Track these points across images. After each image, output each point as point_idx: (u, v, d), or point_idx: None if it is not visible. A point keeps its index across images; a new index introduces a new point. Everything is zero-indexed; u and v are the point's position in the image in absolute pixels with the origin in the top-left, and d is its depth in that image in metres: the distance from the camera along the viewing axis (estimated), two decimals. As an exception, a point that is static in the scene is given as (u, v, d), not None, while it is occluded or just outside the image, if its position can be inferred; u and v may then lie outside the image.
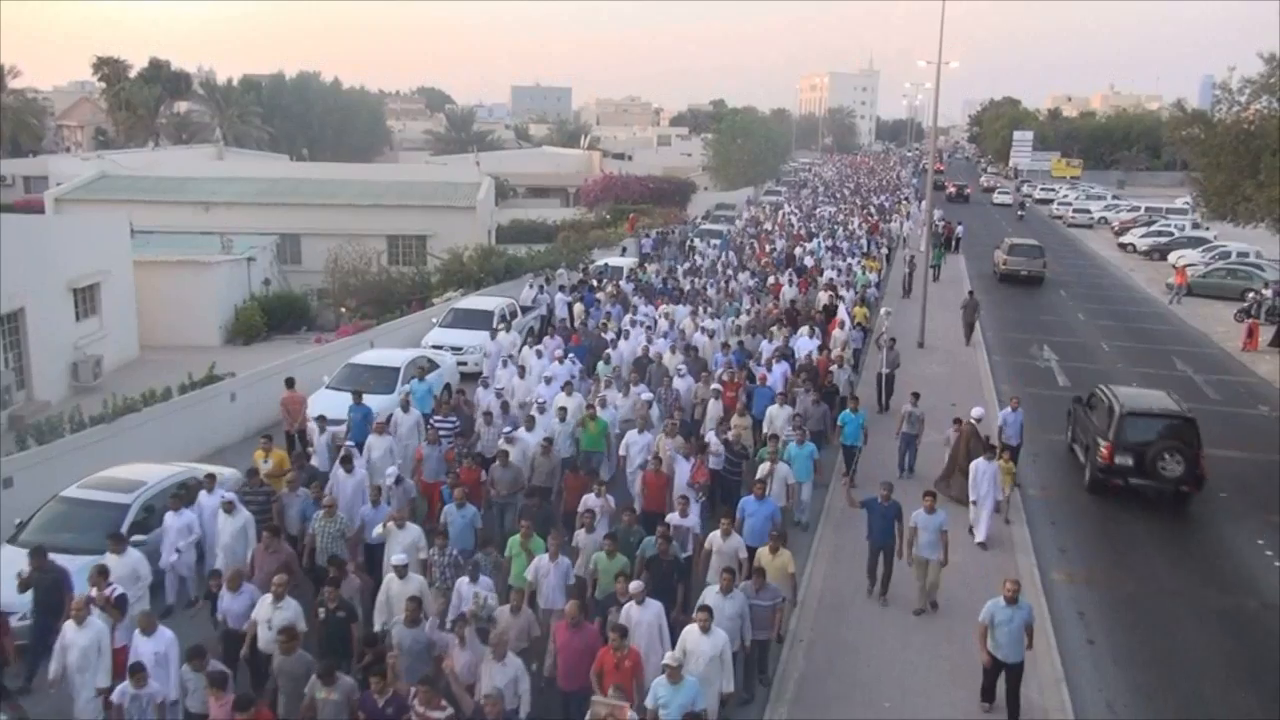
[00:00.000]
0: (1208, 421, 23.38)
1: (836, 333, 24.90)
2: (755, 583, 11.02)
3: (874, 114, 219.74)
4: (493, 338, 23.45)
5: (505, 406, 17.53)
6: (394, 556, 11.13)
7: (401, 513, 12.32)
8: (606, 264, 34.75)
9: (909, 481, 17.76)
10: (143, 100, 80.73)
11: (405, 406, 16.98)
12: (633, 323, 24.44)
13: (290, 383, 18.49)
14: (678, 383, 19.24)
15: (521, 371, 19.78)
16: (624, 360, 21.52)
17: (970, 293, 31.72)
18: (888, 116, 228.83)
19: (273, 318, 30.41)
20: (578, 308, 26.82)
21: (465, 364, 22.63)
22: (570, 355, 20.85)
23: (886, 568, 13.62)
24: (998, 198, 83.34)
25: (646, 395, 17.84)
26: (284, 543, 11.84)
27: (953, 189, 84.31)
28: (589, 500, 13.08)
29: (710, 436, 16.09)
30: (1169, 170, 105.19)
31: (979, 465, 15.75)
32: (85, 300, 25.26)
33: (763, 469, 14.63)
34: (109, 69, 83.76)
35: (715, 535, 12.15)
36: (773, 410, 17.65)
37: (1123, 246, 57.01)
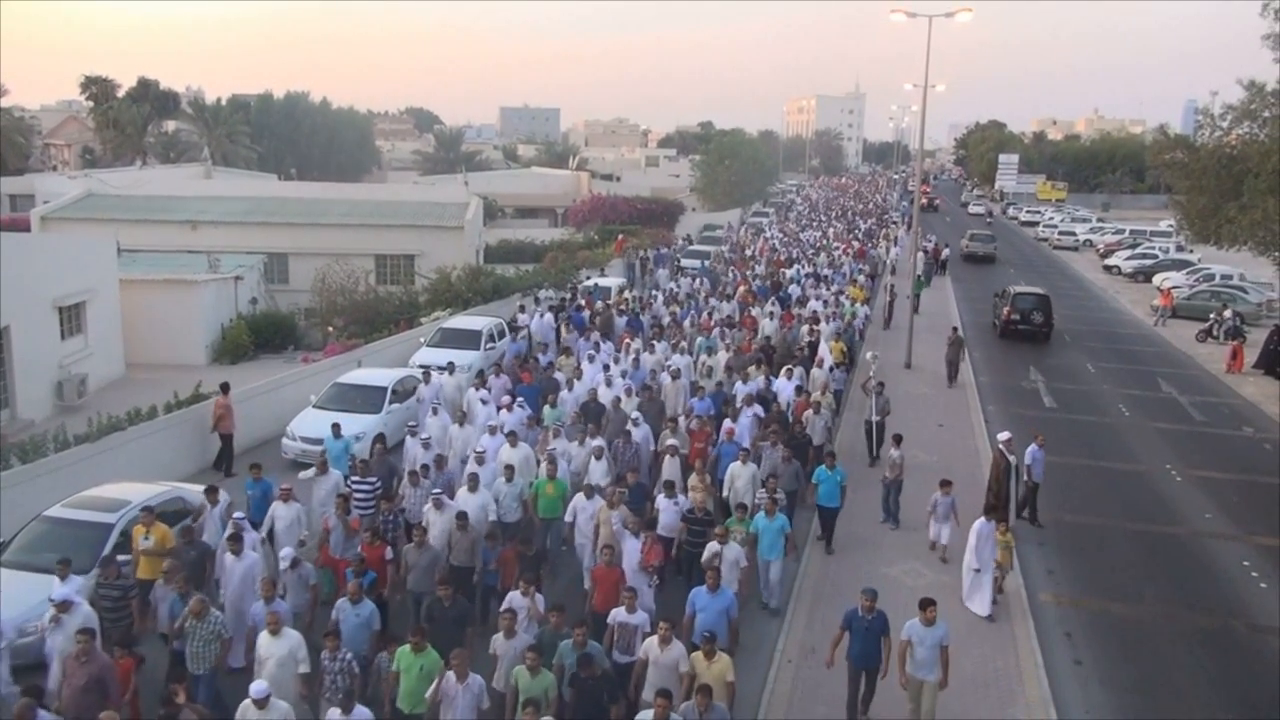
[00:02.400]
0: (1193, 443, 23.61)
1: (815, 372, 22.74)
2: (699, 702, 9.06)
3: (861, 136, 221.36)
4: (451, 373, 21.07)
5: (440, 461, 15.22)
6: (253, 686, 8.74)
7: (275, 619, 9.83)
8: (596, 284, 34.77)
9: (897, 534, 17.08)
10: (130, 119, 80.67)
11: (322, 467, 14.52)
12: (590, 359, 22.27)
13: (225, 388, 18.75)
14: (635, 434, 16.80)
15: (462, 418, 17.48)
16: (573, 405, 19.14)
17: (955, 330, 28.96)
18: (875, 139, 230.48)
19: (260, 337, 30.32)
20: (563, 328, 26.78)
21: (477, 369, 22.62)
22: (518, 399, 18.54)
23: (869, 688, 11.34)
24: (972, 208, 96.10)
25: (596, 445, 15.70)
26: (103, 652, 9.56)
27: (924, 200, 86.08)
28: (512, 598, 10.89)
29: (659, 502, 13.97)
30: (1153, 193, 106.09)
31: (980, 528, 14.29)
32: (71, 319, 25.14)
33: (710, 549, 12.36)
34: (97, 88, 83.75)
35: (652, 643, 10.07)
36: (734, 468, 15.43)
37: (1108, 269, 57.48)
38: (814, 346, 25.50)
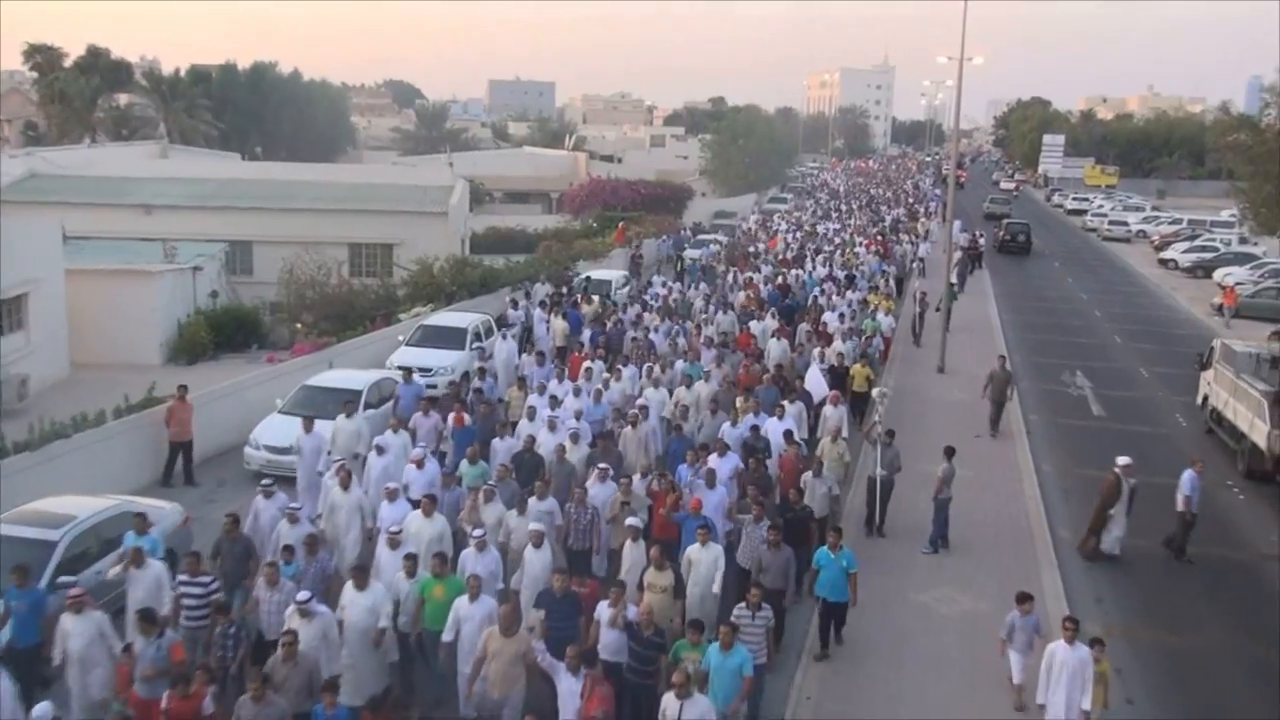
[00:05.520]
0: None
1: (828, 412, 19.36)
2: None
3: (889, 114, 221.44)
4: (349, 415, 17.86)
5: (313, 543, 12.61)
6: None
7: None
8: (589, 277, 34.80)
9: (929, 554, 16.82)
10: (78, 92, 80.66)
11: (137, 561, 11.94)
12: (541, 390, 19.78)
13: (183, 391, 18.76)
14: (595, 493, 14.52)
15: (346, 478, 14.41)
16: (503, 455, 16.47)
17: (1002, 359, 25.19)
18: (905, 117, 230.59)
19: (220, 334, 30.32)
20: (559, 324, 26.76)
21: (435, 387, 22.56)
22: (431, 451, 16.48)
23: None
24: (1004, 185, 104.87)
25: (535, 524, 13.05)
26: None
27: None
28: None
29: (600, 613, 11.48)
30: (1213, 179, 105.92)
31: (1056, 652, 11.53)
32: (10, 313, 25.15)
33: (667, 707, 10.00)
34: (41, 57, 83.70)
35: None
36: (692, 554, 12.83)
37: (1163, 263, 57.40)
38: (840, 378, 22.68)
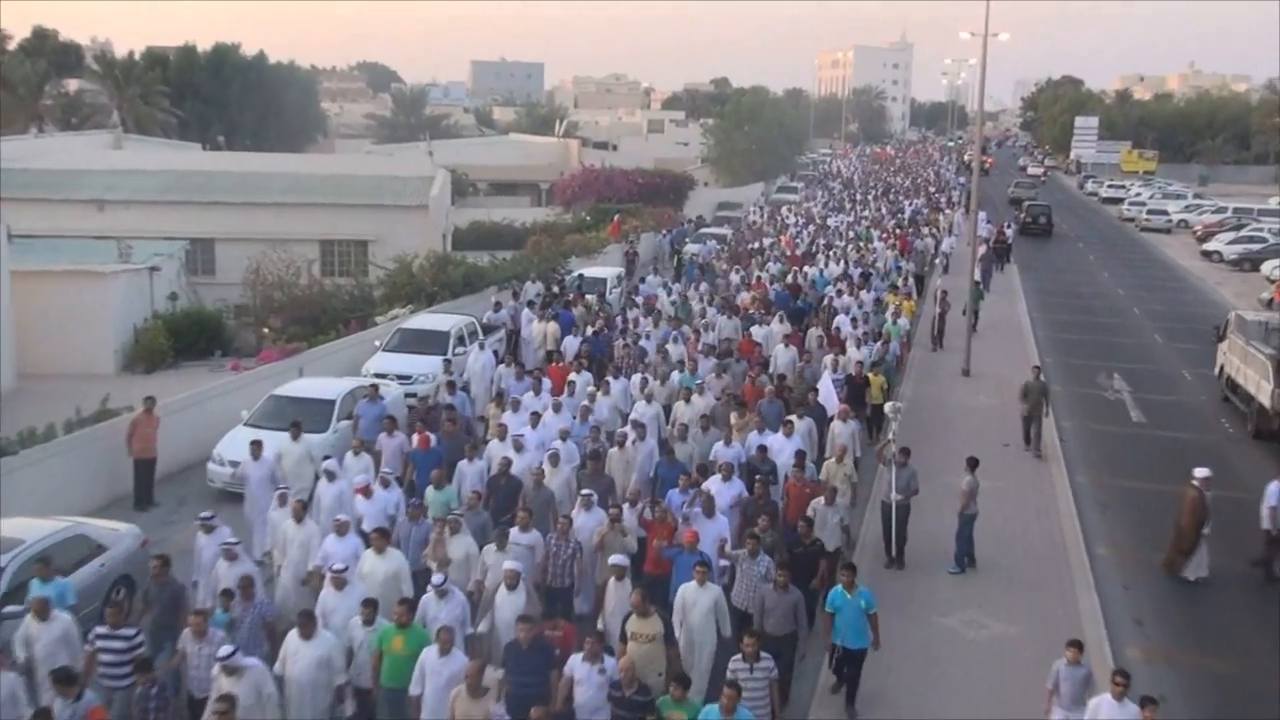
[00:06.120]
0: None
1: (836, 427, 18.91)
2: None
3: (908, 96, 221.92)
4: (295, 438, 17.42)
5: (248, 586, 11.97)
6: None
7: None
8: (582, 275, 34.81)
9: (954, 575, 16.86)
10: (23, 78, 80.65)
11: (41, 613, 11.33)
12: (515, 407, 18.97)
13: (149, 403, 18.72)
14: (581, 522, 14.13)
15: (299, 510, 14.03)
16: (472, 481, 16.07)
17: (1036, 370, 24.78)
18: (924, 99, 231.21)
19: (180, 340, 30.28)
20: (551, 327, 26.75)
21: (414, 395, 22.59)
22: (396, 477, 16.00)
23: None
24: (1031, 170, 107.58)
25: (511, 563, 12.42)
26: None
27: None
28: None
29: (574, 668, 10.89)
30: (1260, 164, 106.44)
31: (1101, 707, 11.03)
32: (-49, 319, 25.10)
33: None
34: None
35: None
36: (686, 594, 12.23)
37: (1206, 254, 57.53)
38: (859, 389, 22.19)
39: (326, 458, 16.78)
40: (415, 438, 17.52)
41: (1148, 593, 17.11)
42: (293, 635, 11.07)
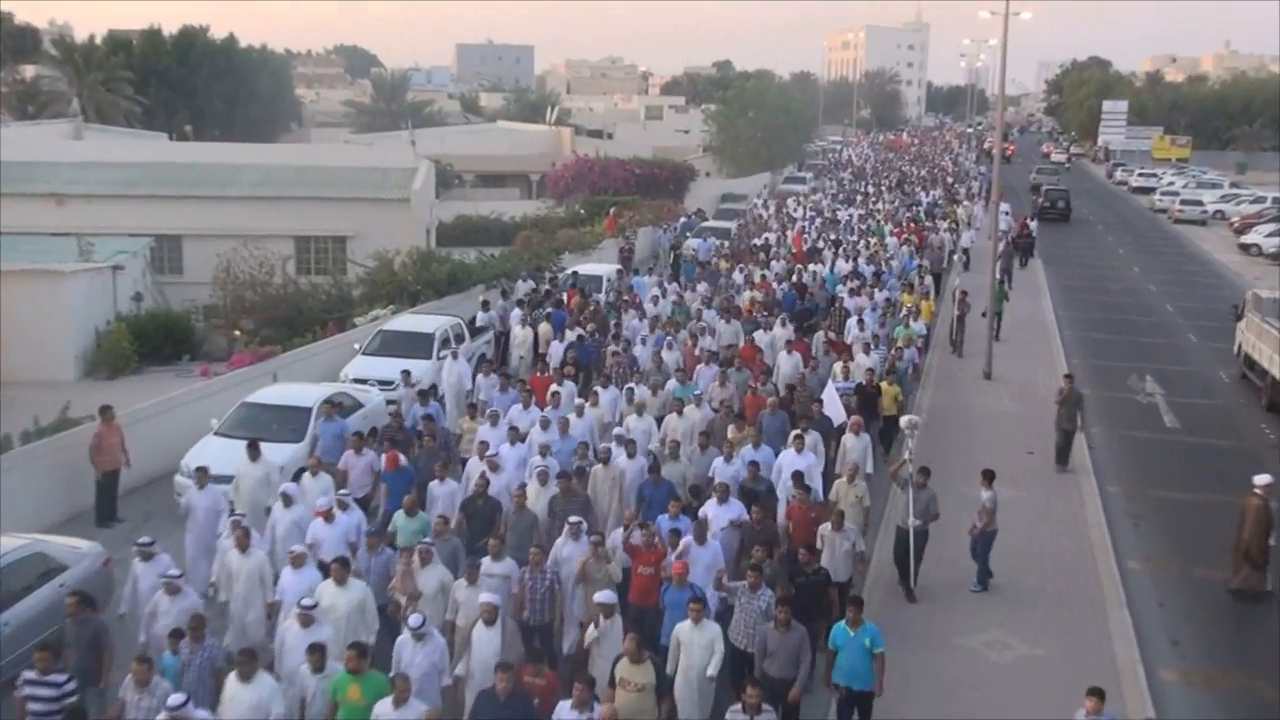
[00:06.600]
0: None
1: (849, 441, 18.47)
2: None
3: (924, 79, 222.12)
4: (254, 458, 16.76)
5: (199, 627, 11.54)
6: None
7: None
8: (576, 273, 34.77)
9: (976, 593, 16.77)
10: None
11: None
12: (494, 420, 18.53)
13: (107, 413, 18.62)
14: (568, 552, 13.71)
15: (243, 538, 13.46)
16: (443, 504, 15.72)
17: (1068, 379, 23.99)
18: (941, 83, 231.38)
19: (146, 344, 30.26)
20: (544, 329, 26.73)
21: (395, 403, 22.54)
22: (356, 499, 15.62)
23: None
24: (1054, 157, 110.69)
25: (488, 596, 12.19)
26: None
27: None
28: None
29: (559, 716, 10.67)
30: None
31: None
32: (-100, 322, 25.09)
33: None
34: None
35: None
36: (681, 634, 11.92)
37: (1244, 248, 57.55)
38: (870, 399, 21.63)
39: (303, 470, 16.76)
40: (384, 456, 17.00)
41: (1184, 610, 17.08)
42: (231, 678, 10.79)
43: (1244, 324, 30.44)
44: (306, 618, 11.61)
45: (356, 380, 23.22)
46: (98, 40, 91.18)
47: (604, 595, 12.32)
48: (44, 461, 18.43)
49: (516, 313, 28.44)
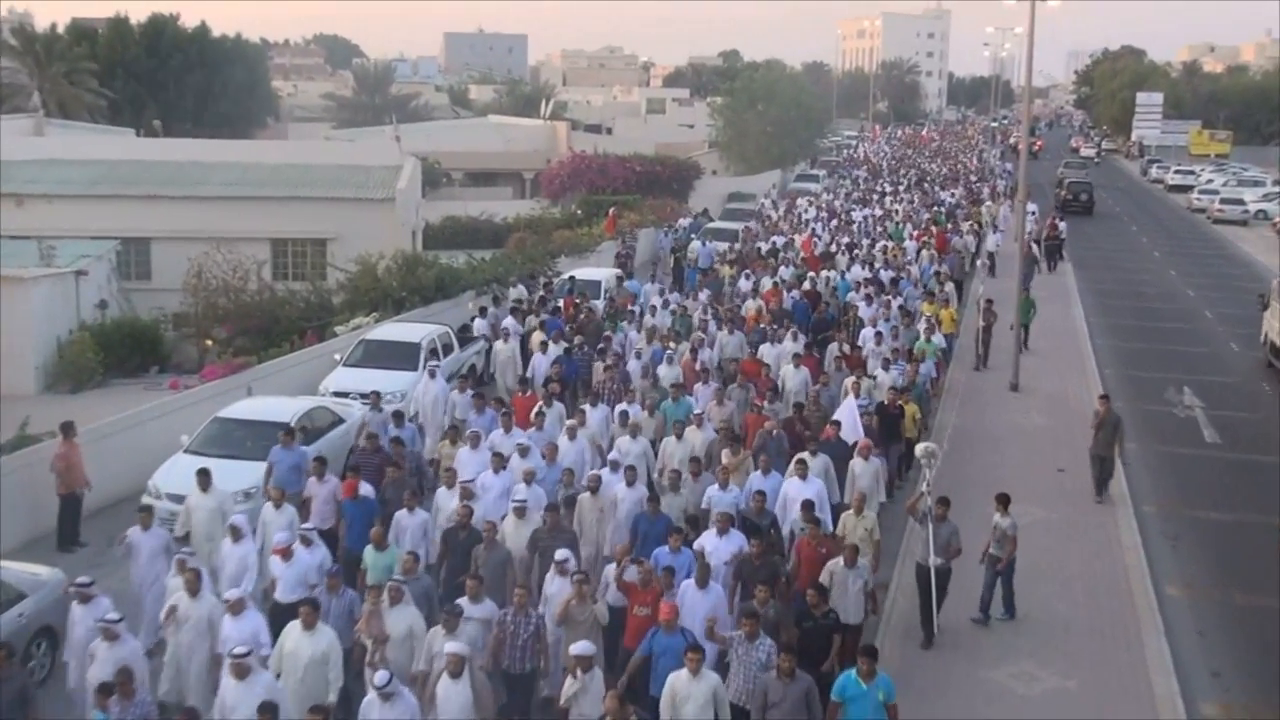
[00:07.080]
0: None
1: (857, 465, 17.96)
2: None
3: (945, 70, 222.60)
4: (205, 489, 16.35)
5: (126, 681, 11.18)
6: None
7: None
8: (573, 277, 34.73)
9: (1003, 622, 16.65)
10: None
11: None
12: (474, 443, 18.14)
13: (68, 430, 18.58)
14: (555, 590, 13.40)
15: (194, 580, 13.00)
16: (413, 538, 15.39)
17: (1104, 399, 23.23)
18: (964, 73, 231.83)
19: (111, 355, 30.26)
20: (536, 337, 26.56)
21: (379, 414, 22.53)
22: (321, 532, 15.29)
23: None
24: (1084, 152, 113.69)
25: (454, 645, 11.66)
26: None
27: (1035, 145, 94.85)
28: None
29: None
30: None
31: None
32: None
33: None
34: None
35: None
36: (676, 684, 11.38)
37: (1290, 250, 57.60)
38: (892, 420, 21.08)
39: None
40: (341, 484, 16.57)
41: (1226, 639, 17.06)
42: None
43: (1270, 312, 32.40)
44: (240, 667, 11.02)
45: (337, 394, 23.19)
46: (60, 30, 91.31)
47: (580, 647, 11.80)
48: (1, 482, 18.41)
49: (510, 320, 27.94)
